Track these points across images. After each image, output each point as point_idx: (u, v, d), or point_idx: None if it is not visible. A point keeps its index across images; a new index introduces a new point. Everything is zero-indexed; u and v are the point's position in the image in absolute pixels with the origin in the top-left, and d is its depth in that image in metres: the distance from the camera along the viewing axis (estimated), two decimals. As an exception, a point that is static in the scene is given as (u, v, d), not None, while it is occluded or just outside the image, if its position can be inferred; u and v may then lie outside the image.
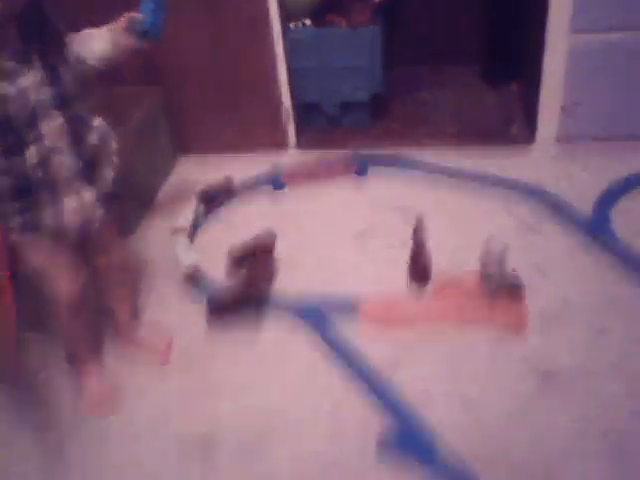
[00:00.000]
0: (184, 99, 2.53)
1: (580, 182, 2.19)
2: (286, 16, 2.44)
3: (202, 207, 2.25)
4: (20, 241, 1.46)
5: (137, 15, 1.38)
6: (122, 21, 1.40)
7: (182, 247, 2.04)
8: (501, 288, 1.77)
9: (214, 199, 2.28)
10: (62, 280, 1.50)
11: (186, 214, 2.17)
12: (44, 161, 1.35)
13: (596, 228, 1.99)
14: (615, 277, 1.83)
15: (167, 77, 2.48)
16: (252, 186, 2.38)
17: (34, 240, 1.45)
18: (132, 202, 2.23)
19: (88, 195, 1.45)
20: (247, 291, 1.86)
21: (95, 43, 1.41)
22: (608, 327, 1.69)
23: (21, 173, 1.35)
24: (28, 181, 1.36)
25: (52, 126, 1.34)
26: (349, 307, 1.82)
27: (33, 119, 1.32)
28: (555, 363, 1.62)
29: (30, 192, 1.38)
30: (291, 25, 2.52)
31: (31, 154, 1.33)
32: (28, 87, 1.29)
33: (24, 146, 1.32)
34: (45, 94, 1.32)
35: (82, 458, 1.54)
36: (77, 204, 1.43)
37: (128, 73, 2.46)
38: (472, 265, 1.83)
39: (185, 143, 2.62)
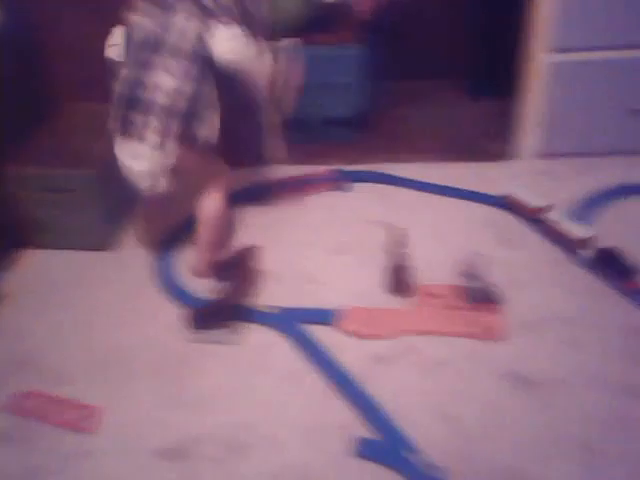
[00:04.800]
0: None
1: (559, 196, 2.22)
2: (272, 33, 2.48)
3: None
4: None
5: None
6: None
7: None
8: (481, 300, 1.80)
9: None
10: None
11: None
12: None
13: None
14: (592, 289, 1.86)
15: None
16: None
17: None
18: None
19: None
20: (228, 302, 1.87)
21: None
22: (584, 338, 1.72)
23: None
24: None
25: None
26: (329, 317, 1.84)
27: None
28: (532, 373, 1.64)
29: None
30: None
31: None
32: None
33: None
34: None
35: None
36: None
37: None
38: (453, 278, 1.86)
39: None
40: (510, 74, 2.47)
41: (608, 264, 1.87)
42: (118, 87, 1.78)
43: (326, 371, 1.69)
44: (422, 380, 1.66)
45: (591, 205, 2.17)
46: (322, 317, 1.85)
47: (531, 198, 2.12)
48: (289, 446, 1.54)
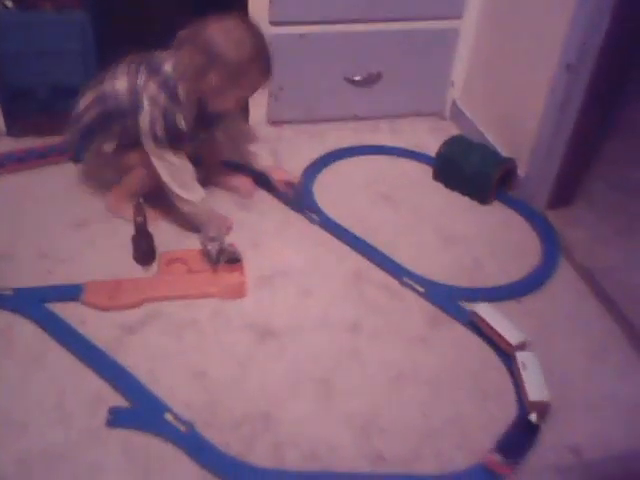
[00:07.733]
0: None
1: (286, 160, 2.41)
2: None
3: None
4: None
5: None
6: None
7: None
8: (222, 261, 1.91)
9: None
10: None
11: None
12: None
13: (300, 201, 2.23)
14: (318, 242, 2.09)
15: None
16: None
17: None
18: None
19: None
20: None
21: None
22: (314, 287, 1.93)
23: None
24: None
25: None
26: (71, 293, 1.81)
27: None
28: (271, 323, 1.80)
29: None
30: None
31: None
32: None
33: None
34: None
35: None
36: None
37: None
38: (195, 243, 1.95)
39: None
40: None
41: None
42: None
43: (72, 347, 1.67)
44: (170, 343, 1.73)
45: (316, 166, 2.40)
46: (64, 293, 1.81)
47: (508, 331, 1.73)
48: (38, 429, 1.51)
